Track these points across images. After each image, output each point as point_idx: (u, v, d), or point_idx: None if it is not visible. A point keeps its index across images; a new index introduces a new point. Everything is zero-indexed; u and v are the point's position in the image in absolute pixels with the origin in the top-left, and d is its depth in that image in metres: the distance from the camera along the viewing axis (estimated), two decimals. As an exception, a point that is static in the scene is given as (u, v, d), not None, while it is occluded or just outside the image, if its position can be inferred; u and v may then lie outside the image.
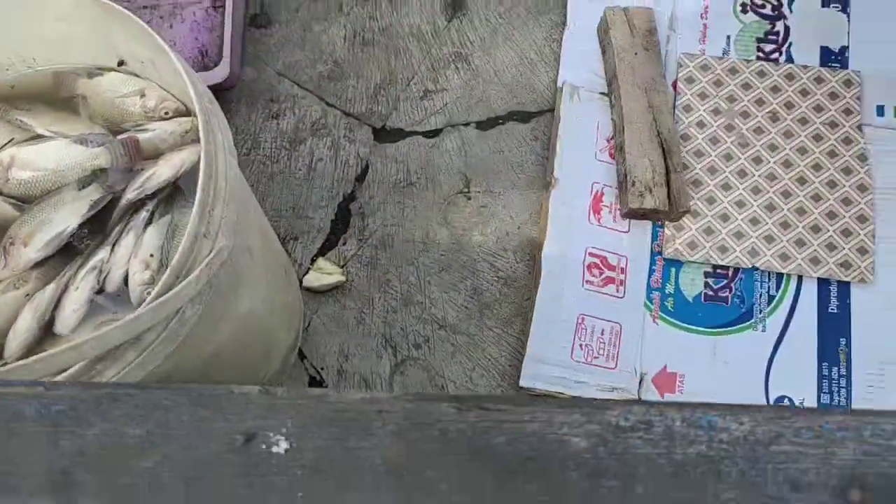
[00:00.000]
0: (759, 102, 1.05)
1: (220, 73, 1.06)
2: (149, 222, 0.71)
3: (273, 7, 1.19)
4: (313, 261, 1.03)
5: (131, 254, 0.69)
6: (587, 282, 0.99)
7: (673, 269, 1.00)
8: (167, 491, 0.34)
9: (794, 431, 0.34)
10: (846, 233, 0.98)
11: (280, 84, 1.14)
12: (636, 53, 1.05)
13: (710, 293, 0.98)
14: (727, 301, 0.98)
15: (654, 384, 0.94)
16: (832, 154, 1.02)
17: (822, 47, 1.09)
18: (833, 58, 1.08)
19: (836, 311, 0.97)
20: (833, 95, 1.05)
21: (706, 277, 0.99)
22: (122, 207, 0.71)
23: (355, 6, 1.18)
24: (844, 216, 0.99)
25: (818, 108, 1.04)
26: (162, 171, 0.71)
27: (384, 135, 1.10)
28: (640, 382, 0.94)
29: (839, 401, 0.93)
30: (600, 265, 1.00)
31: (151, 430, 0.35)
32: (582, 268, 0.99)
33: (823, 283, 0.98)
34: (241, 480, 0.35)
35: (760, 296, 0.98)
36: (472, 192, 1.05)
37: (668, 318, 0.97)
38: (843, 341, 0.95)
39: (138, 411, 0.36)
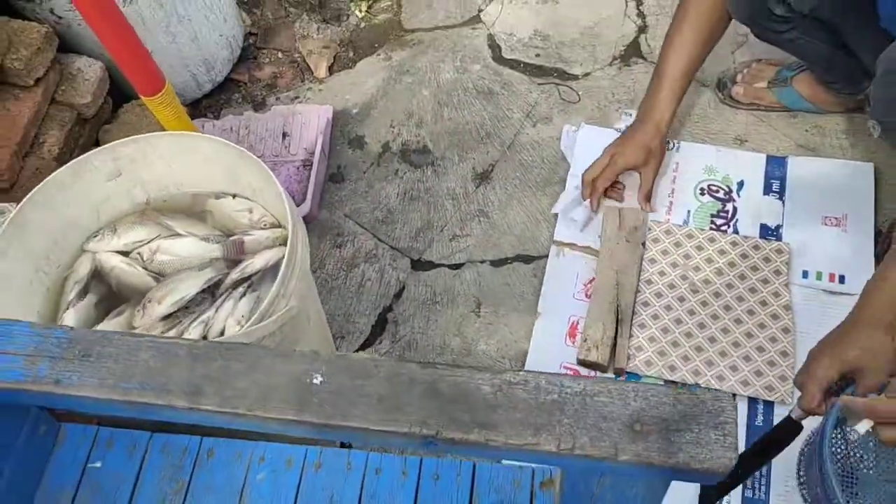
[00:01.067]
0: (709, 261, 1.29)
1: (304, 209, 1.36)
2: (243, 295, 0.97)
3: (347, 168, 1.51)
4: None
5: (228, 314, 0.95)
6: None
7: (632, 378, 1.21)
8: (253, 398, 0.58)
9: (608, 391, 0.56)
10: (771, 363, 1.18)
11: (345, 223, 1.43)
12: (618, 243, 1.31)
13: None
14: None
15: None
16: (763, 303, 1.24)
17: (761, 224, 1.34)
18: (770, 232, 1.33)
19: (761, 424, 1.15)
20: (767, 259, 1.28)
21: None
22: (227, 284, 0.98)
23: (408, 172, 1.49)
24: (770, 351, 1.19)
25: (754, 268, 1.28)
26: (256, 263, 0.99)
27: (419, 265, 1.36)
28: None
29: (760, 495, 1.10)
30: (573, 371, 1.22)
31: (247, 366, 0.59)
32: (560, 364, 1.22)
33: (752, 401, 1.17)
34: (293, 395, 0.58)
35: (702, 407, 1.17)
36: (482, 312, 1.30)
37: None
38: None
39: (241, 356, 0.60)
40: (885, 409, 0.82)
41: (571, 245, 1.35)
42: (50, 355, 0.62)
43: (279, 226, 1.03)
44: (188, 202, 1.08)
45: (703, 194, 1.39)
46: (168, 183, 1.06)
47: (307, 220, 1.40)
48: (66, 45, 1.41)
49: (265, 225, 1.03)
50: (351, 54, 1.72)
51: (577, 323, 1.26)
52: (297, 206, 1.38)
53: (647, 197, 1.37)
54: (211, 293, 0.98)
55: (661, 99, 1.33)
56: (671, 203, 1.38)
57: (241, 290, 0.97)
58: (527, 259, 1.35)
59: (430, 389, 0.58)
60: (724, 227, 1.35)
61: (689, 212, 1.37)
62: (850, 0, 1.15)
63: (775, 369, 1.17)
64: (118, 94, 1.48)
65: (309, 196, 1.38)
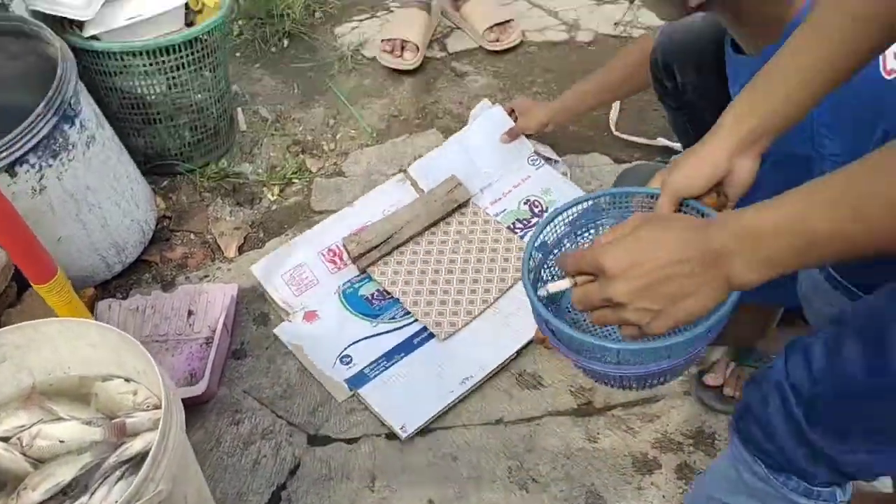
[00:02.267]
0: (482, 241, 1.66)
1: (199, 388, 1.38)
2: (120, 478, 0.98)
3: (250, 345, 1.56)
4: (245, 535, 1.25)
5: (102, 500, 0.96)
6: (322, 254, 1.67)
7: (367, 279, 1.63)
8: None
9: None
10: (454, 313, 1.53)
11: (245, 400, 1.46)
12: (436, 200, 1.70)
13: (369, 298, 1.60)
14: (372, 305, 1.59)
15: (305, 315, 1.58)
16: (489, 280, 1.60)
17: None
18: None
19: (416, 343, 1.51)
20: (519, 258, 1.61)
21: (377, 291, 1.60)
22: (104, 468, 0.99)
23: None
24: (462, 304, 1.55)
25: (506, 260, 1.63)
26: (136, 445, 1.00)
27: (315, 440, 1.38)
28: (300, 311, 1.58)
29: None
30: (337, 253, 1.67)
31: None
32: (325, 248, 1.68)
33: (424, 328, 1.53)
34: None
35: (393, 315, 1.56)
36: (376, 486, 1.31)
37: (343, 296, 1.61)
38: (401, 355, 1.50)
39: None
40: (573, 260, 0.77)
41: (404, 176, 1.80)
42: None
43: (163, 407, 1.06)
44: (75, 384, 1.10)
45: (525, 204, 1.75)
46: (55, 367, 1.09)
47: (206, 398, 1.43)
48: (-24, 233, 1.46)
49: (148, 406, 1.06)
50: (261, 234, 1.81)
51: (366, 227, 1.69)
52: (195, 384, 1.41)
53: (510, 133, 1.80)
54: (88, 477, 0.99)
55: (571, 92, 1.75)
56: (501, 198, 1.76)
57: (118, 473, 0.98)
58: (423, 430, 1.39)
59: None
60: (517, 230, 1.70)
61: (504, 210, 1.74)
62: (710, 89, 1.32)
63: (455, 318, 1.52)
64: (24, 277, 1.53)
65: (207, 374, 1.41)
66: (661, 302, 0.70)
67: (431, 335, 1.51)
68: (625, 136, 1.92)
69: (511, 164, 1.80)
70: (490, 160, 1.80)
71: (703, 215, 0.83)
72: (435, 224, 1.68)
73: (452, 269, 1.61)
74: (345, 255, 1.64)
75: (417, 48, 2.17)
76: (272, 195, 1.90)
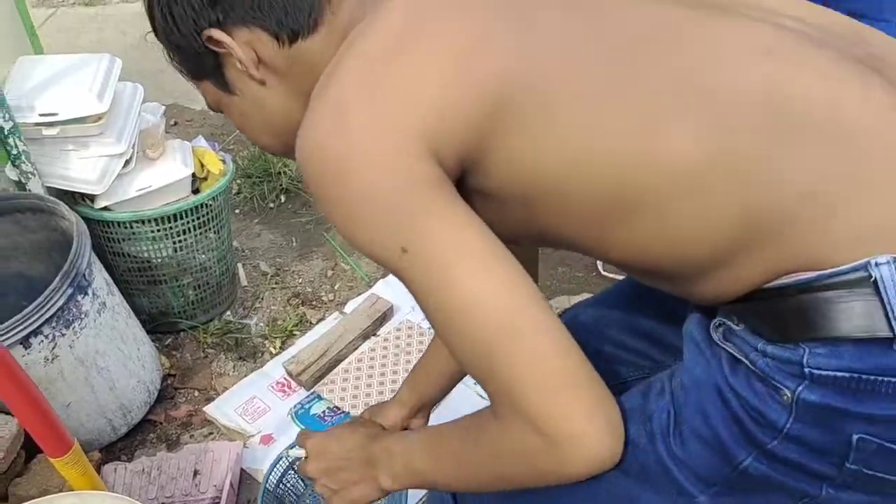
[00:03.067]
0: (420, 342, 1.85)
1: (208, 552, 1.38)
2: None
3: (257, 503, 1.56)
4: None
5: None
6: (272, 386, 1.82)
7: (316, 398, 1.78)
8: None
9: None
10: None
11: (253, 561, 1.45)
12: (366, 315, 1.94)
13: (321, 415, 1.74)
14: (325, 421, 1.72)
15: (262, 438, 1.69)
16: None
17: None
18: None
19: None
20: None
21: (328, 408, 1.75)
22: None
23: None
24: None
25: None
26: None
27: None
28: (256, 435, 1.70)
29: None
30: (285, 384, 1.82)
31: None
32: (274, 381, 1.83)
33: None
34: None
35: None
36: None
37: (295, 416, 1.74)
38: None
39: None
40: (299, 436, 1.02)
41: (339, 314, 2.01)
42: None
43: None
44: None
45: None
46: (70, 541, 1.10)
47: (213, 561, 1.42)
48: (-14, 403, 1.49)
49: (163, 577, 1.07)
50: (264, 388, 1.85)
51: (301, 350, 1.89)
52: (204, 548, 1.41)
53: None
54: None
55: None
56: None
57: None
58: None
59: None
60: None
61: None
62: None
63: None
64: (32, 443, 1.55)
65: (215, 537, 1.42)
66: (337, 484, 0.90)
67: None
68: (612, 276, 2.02)
69: None
70: None
71: None
72: (371, 336, 1.91)
73: (396, 379, 1.77)
74: (293, 384, 1.81)
75: None
76: (274, 349, 1.95)
